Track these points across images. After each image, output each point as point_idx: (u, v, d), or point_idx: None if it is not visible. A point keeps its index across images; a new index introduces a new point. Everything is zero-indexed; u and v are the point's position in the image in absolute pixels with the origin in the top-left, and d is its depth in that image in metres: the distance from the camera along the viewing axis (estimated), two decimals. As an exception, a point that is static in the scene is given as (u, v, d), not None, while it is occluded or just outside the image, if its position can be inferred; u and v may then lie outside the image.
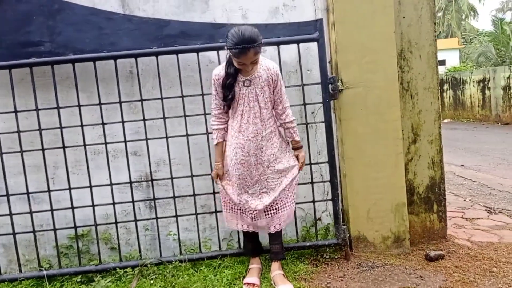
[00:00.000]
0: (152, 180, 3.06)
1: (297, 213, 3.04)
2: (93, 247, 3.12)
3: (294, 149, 2.77)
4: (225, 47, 2.44)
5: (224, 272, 2.86)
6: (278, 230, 2.72)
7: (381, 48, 2.99)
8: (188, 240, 3.20)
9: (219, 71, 2.59)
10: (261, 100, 2.55)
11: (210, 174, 2.97)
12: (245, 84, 2.53)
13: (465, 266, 2.89)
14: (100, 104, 2.94)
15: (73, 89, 2.95)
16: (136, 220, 3.04)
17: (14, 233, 2.96)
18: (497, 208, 4.31)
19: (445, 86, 16.76)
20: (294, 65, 3.11)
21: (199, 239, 3.08)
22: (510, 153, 7.76)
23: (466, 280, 2.68)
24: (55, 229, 2.98)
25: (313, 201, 3.07)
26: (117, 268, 2.92)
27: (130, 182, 3.02)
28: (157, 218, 3.07)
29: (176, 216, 3.05)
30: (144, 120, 2.98)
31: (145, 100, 2.98)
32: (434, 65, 3.24)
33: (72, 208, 2.96)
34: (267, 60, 2.62)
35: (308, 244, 3.06)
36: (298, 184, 2.82)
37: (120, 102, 2.95)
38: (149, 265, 2.92)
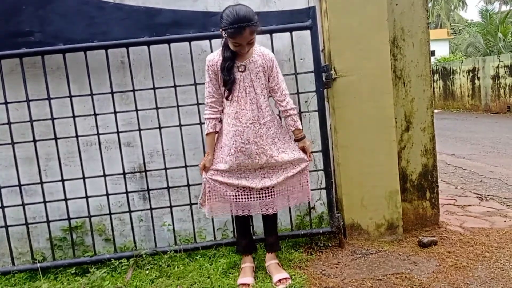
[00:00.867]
0: (145, 171, 3.05)
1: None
2: (87, 239, 3.11)
3: (298, 140, 2.63)
4: (220, 29, 2.37)
5: (220, 261, 2.87)
6: (271, 213, 2.63)
7: (374, 36, 2.99)
8: (183, 230, 3.19)
9: (213, 56, 2.53)
10: (257, 86, 2.49)
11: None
12: (240, 70, 2.48)
13: (457, 251, 2.93)
14: (91, 94, 2.90)
15: (64, 79, 2.91)
16: (130, 211, 3.02)
17: (6, 226, 2.93)
18: (488, 195, 4.37)
19: (435, 77, 16.86)
20: (287, 53, 3.10)
21: (193, 229, 3.08)
22: (500, 142, 7.85)
23: (459, 265, 2.71)
24: (48, 221, 2.96)
25: (307, 190, 3.08)
26: (112, 259, 2.91)
27: (124, 173, 3.00)
28: (151, 209, 3.06)
29: (171, 206, 3.05)
30: (136, 110, 2.95)
31: (137, 90, 2.96)
32: (427, 53, 3.25)
33: (66, 200, 2.94)
34: (262, 47, 2.59)
35: (302, 232, 3.07)
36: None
37: (112, 93, 2.92)
38: (144, 256, 2.91)
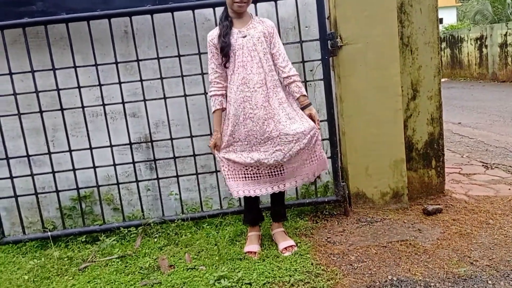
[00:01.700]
0: (151, 141, 3.06)
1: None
2: (96, 208, 3.16)
3: (304, 108, 2.57)
4: None
5: (226, 229, 2.92)
6: (282, 190, 2.62)
7: (381, 2, 2.93)
8: (190, 199, 3.23)
9: (213, 32, 2.54)
10: (260, 50, 2.47)
11: (209, 135, 2.97)
12: (241, 35, 2.48)
13: (462, 219, 2.95)
14: (96, 65, 2.89)
15: (67, 50, 2.90)
16: (137, 181, 3.06)
17: (16, 196, 2.98)
18: (493, 164, 4.36)
19: (443, 45, 16.57)
20: (292, 21, 3.05)
21: (200, 199, 3.12)
22: (506, 110, 7.78)
23: (463, 232, 2.74)
24: (57, 191, 3.00)
25: (313, 159, 3.08)
26: (121, 228, 2.97)
27: (130, 144, 3.02)
28: (158, 178, 3.09)
29: (177, 176, 3.08)
30: (141, 80, 2.94)
31: (141, 60, 2.94)
32: (435, 19, 3.19)
33: (74, 170, 2.97)
34: (261, 17, 2.60)
35: (307, 201, 3.11)
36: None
37: (116, 63, 2.90)
38: (152, 224, 2.96)
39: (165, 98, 2.97)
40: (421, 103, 3.29)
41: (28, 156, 2.94)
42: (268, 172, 2.56)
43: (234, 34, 2.48)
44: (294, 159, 2.53)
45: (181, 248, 2.73)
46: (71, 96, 2.98)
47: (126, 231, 2.94)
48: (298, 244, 2.66)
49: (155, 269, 2.51)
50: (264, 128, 2.47)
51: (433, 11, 3.17)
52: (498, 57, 13.46)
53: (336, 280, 2.27)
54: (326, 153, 3.16)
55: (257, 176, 2.57)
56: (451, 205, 3.21)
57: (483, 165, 4.34)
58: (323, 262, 2.47)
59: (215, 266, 2.46)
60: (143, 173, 3.18)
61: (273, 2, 2.90)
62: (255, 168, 2.54)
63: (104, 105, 2.96)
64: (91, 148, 2.97)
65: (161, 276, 2.42)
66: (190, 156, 3.07)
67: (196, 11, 2.88)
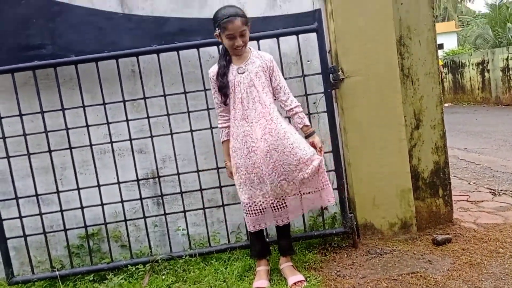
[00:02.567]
0: (159, 176, 3.09)
1: (304, 203, 3.06)
2: (104, 246, 3.16)
3: (307, 136, 2.65)
4: (215, 31, 2.51)
5: (234, 264, 2.90)
6: (286, 223, 2.67)
7: (380, 35, 3.00)
8: (197, 234, 3.23)
9: (213, 68, 2.63)
10: (258, 84, 2.52)
11: (215, 169, 3.01)
12: (239, 72, 2.54)
13: (472, 248, 2.93)
14: (104, 104, 2.96)
15: (76, 90, 2.97)
16: (145, 217, 3.07)
17: (25, 235, 3.00)
18: (501, 190, 4.34)
19: (445, 70, 16.71)
20: (294, 56, 3.12)
21: (207, 233, 3.11)
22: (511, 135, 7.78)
23: (473, 262, 2.71)
24: (65, 230, 3.01)
25: (319, 191, 3.09)
26: (128, 265, 2.96)
27: (137, 180, 3.05)
28: (165, 214, 3.10)
29: (184, 211, 3.09)
30: (148, 117, 3.00)
31: (148, 98, 3.00)
32: (434, 50, 3.25)
33: (82, 208, 2.99)
34: (259, 51, 2.68)
35: (315, 233, 3.09)
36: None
37: (124, 101, 2.97)
38: (160, 261, 2.96)
39: (171, 133, 3.02)
40: (424, 132, 3.31)
41: (37, 195, 2.97)
42: (272, 205, 2.58)
43: (233, 71, 2.56)
44: (299, 188, 2.57)
45: (190, 285, 2.71)
46: (80, 135, 3.04)
47: (134, 269, 2.93)
48: (308, 279, 2.64)
49: (164, 307, 2.49)
50: (267, 160, 2.50)
51: (432, 42, 3.24)
52: (501, 81, 13.54)
53: (347, 315, 2.24)
54: (332, 184, 3.18)
55: (261, 209, 2.59)
56: (460, 234, 3.19)
57: (490, 192, 4.32)
58: (333, 296, 2.44)
59: (224, 303, 2.44)
60: (150, 209, 3.20)
61: (275, 39, 2.97)
62: (261, 200, 2.56)
63: (112, 142, 3.01)
64: (99, 186, 3.00)
65: (170, 314, 2.40)
66: (197, 190, 3.08)
67: (200, 49, 2.96)
